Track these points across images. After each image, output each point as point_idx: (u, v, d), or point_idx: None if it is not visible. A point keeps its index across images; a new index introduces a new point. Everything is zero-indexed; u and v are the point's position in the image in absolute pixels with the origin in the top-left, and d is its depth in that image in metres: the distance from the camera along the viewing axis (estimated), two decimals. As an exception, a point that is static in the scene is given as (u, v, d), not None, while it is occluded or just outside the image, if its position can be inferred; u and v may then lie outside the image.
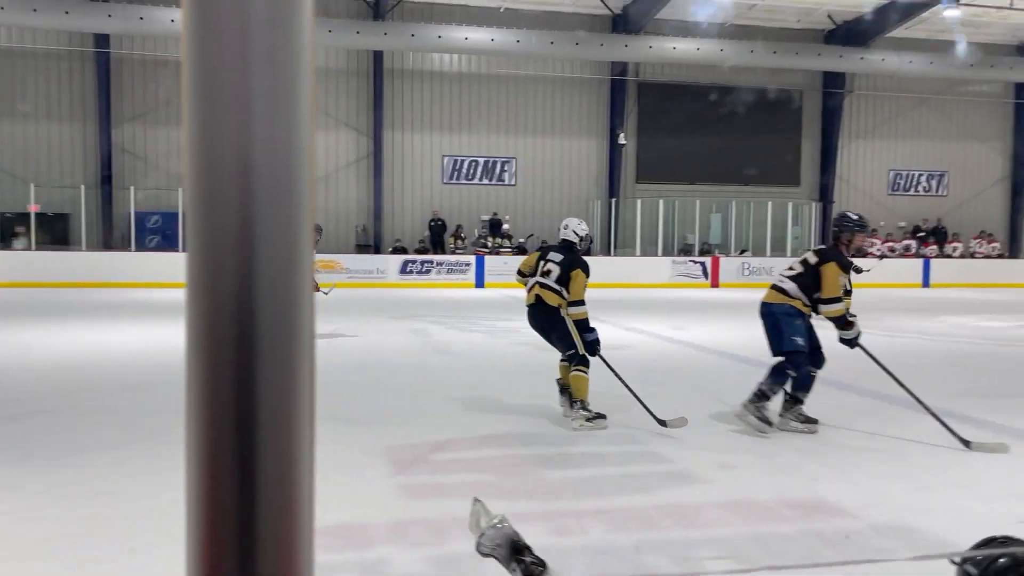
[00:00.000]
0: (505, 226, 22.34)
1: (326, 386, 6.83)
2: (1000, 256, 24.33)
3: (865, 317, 12.63)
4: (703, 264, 21.73)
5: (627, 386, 5.55)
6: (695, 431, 5.24)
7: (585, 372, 5.44)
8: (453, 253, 21.31)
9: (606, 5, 21.67)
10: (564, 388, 5.57)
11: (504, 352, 9.00)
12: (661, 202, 22.87)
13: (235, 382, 0.56)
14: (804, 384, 5.35)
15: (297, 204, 0.58)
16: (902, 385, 5.32)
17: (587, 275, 5.57)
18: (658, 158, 23.60)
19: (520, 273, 6.00)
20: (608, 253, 22.56)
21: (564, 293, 5.49)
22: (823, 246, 5.85)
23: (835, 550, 3.27)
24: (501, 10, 21.66)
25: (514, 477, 4.24)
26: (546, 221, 23.03)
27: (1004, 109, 25.41)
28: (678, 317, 13.28)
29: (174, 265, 19.03)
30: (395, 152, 22.30)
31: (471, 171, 22.89)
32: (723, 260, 21.96)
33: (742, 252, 23.21)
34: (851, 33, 22.55)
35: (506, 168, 23.02)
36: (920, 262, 23.09)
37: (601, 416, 5.31)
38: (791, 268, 5.74)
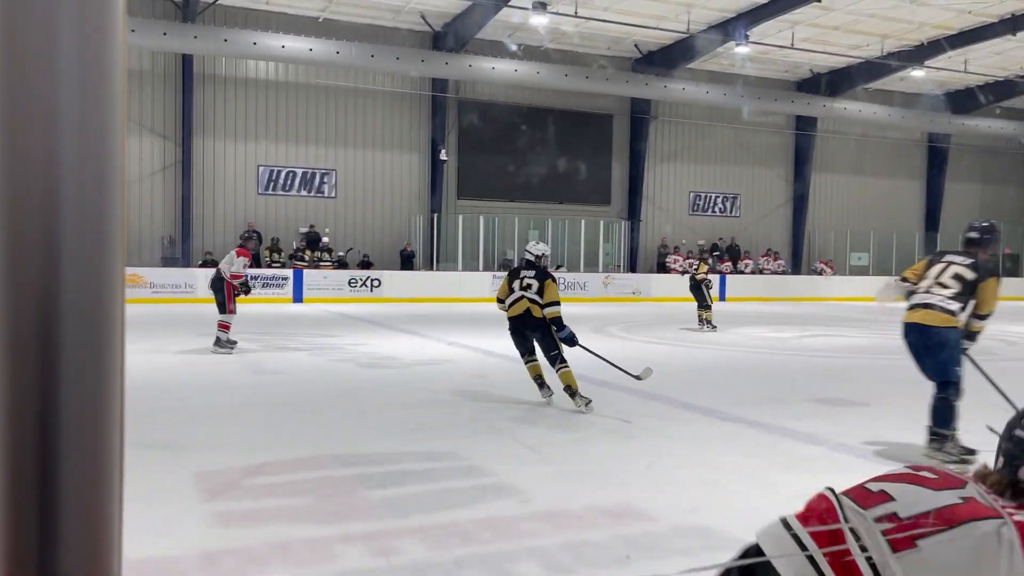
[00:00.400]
0: (325, 239, 21.87)
1: (128, 410, 6.39)
2: (784, 272, 26.82)
3: (666, 330, 13.48)
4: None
5: (603, 358, 7.16)
6: (514, 444, 5.38)
7: (568, 366, 6.66)
8: (269, 267, 20.56)
9: (427, 22, 21.86)
10: (541, 381, 6.87)
11: (324, 369, 8.81)
12: (482, 218, 23.30)
13: (39, 397, 0.54)
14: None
15: (107, 213, 0.56)
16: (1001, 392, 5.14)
17: (556, 283, 6.84)
18: (479, 175, 24.05)
19: (500, 300, 7.12)
20: (430, 268, 22.67)
21: (540, 301, 6.65)
22: (972, 259, 5.34)
23: (641, 553, 3.48)
24: (320, 20, 21.28)
25: (333, 499, 4.17)
26: (368, 234, 22.80)
27: (786, 138, 28.11)
28: (497, 331, 13.54)
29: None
30: (206, 160, 21.26)
31: (288, 182, 22.23)
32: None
33: (558, 267, 24.07)
34: (656, 62, 24.11)
35: (326, 180, 22.57)
36: (717, 277, 24.96)
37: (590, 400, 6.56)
38: (943, 286, 5.27)
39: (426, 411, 6.56)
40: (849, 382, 8.65)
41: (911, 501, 1.28)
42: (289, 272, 20.15)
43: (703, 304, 14.55)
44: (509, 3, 19.32)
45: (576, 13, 20.02)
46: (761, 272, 26.41)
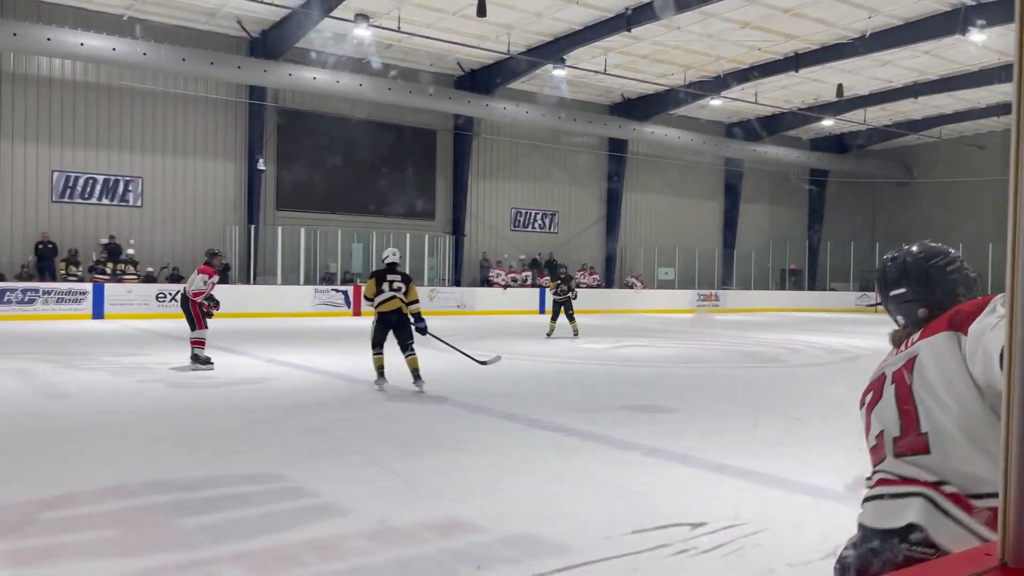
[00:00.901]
0: (129, 250, 20.45)
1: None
2: (599, 286, 28.11)
3: (489, 342, 13.74)
4: (345, 293, 21.96)
5: (451, 345, 8.79)
6: (339, 463, 5.31)
7: (416, 353, 8.43)
8: (65, 280, 18.92)
9: (244, 28, 21.07)
10: (382, 371, 8.43)
11: (131, 391, 8.24)
12: (303, 230, 22.71)
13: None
14: None
15: None
16: None
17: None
18: (299, 186, 23.42)
19: (368, 298, 8.59)
20: (248, 281, 21.77)
21: (405, 300, 8.33)
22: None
23: (468, 565, 3.55)
24: (124, 18, 19.95)
25: (143, 529, 3.92)
26: (178, 245, 21.56)
27: (600, 159, 29.55)
28: (320, 346, 13.26)
29: None
30: (-11, 164, 19.28)
31: (88, 189, 20.62)
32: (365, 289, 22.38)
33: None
34: (478, 81, 24.60)
35: (131, 188, 21.13)
36: (537, 291, 25.76)
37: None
38: None
39: (246, 432, 6.32)
40: (660, 389, 9.22)
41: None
42: (88, 286, 18.64)
43: (563, 316, 15.85)
44: (331, 14, 19.02)
45: (399, 28, 20.06)
46: (579, 286, 27.50)
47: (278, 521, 4.06)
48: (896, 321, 2.02)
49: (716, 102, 26.67)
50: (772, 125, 30.85)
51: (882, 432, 1.78)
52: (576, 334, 15.72)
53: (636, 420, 7.06)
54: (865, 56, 22.52)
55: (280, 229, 22.48)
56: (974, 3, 19.05)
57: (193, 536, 3.84)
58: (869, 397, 1.87)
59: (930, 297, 1.88)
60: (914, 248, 1.97)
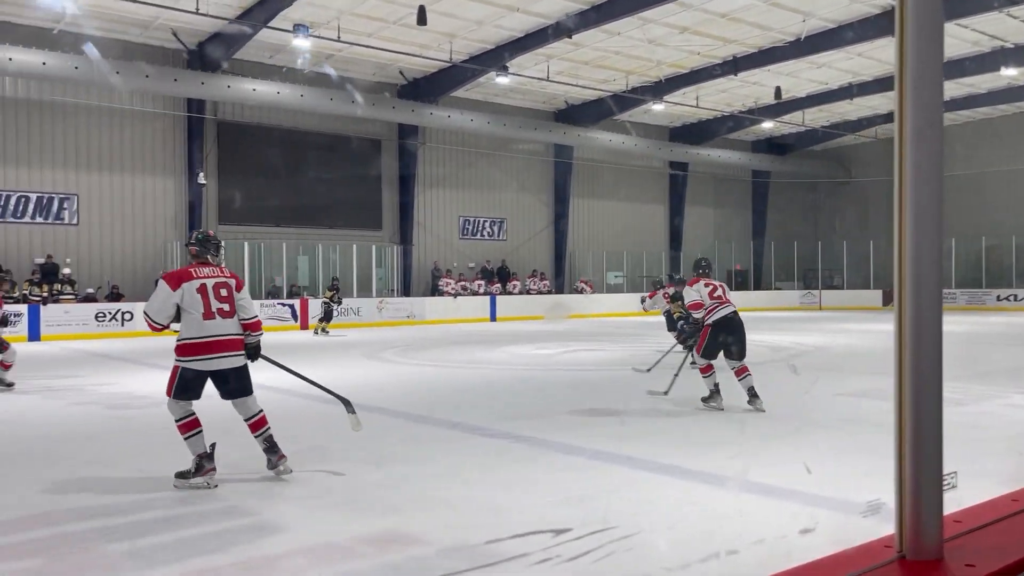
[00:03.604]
0: (66, 270, 19.86)
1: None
2: (549, 292, 28.18)
3: (439, 352, 13.64)
4: (292, 306, 21.64)
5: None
6: (276, 481, 5.18)
7: None
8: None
9: (179, 40, 20.66)
10: None
11: (62, 414, 7.97)
12: (246, 244, 22.33)
13: None
14: None
15: None
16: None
17: None
18: (242, 200, 23.02)
19: None
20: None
21: None
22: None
23: (406, 577, 3.48)
24: (55, 31, 19.40)
25: (68, 557, 3.77)
26: (117, 263, 21.02)
27: (546, 166, 29.67)
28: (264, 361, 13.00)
29: None
30: (-87, 184, 18.56)
31: (20, 208, 19.98)
32: (312, 302, 22.09)
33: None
34: (422, 89, 24.52)
35: (66, 205, 20.55)
36: (488, 299, 25.71)
37: None
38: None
39: (180, 453, 6.14)
40: (604, 393, 9.25)
41: None
42: (23, 307, 18.03)
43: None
44: (269, 24, 18.77)
45: (339, 38, 19.88)
46: (528, 292, 27.56)
47: (210, 543, 3.94)
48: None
49: (658, 107, 27.00)
50: (714, 128, 31.35)
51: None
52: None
53: (579, 424, 7.06)
54: (801, 59, 23.03)
55: (222, 244, 22.05)
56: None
57: (120, 562, 3.70)
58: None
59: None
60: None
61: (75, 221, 20.66)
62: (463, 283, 26.18)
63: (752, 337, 17.09)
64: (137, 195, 21.54)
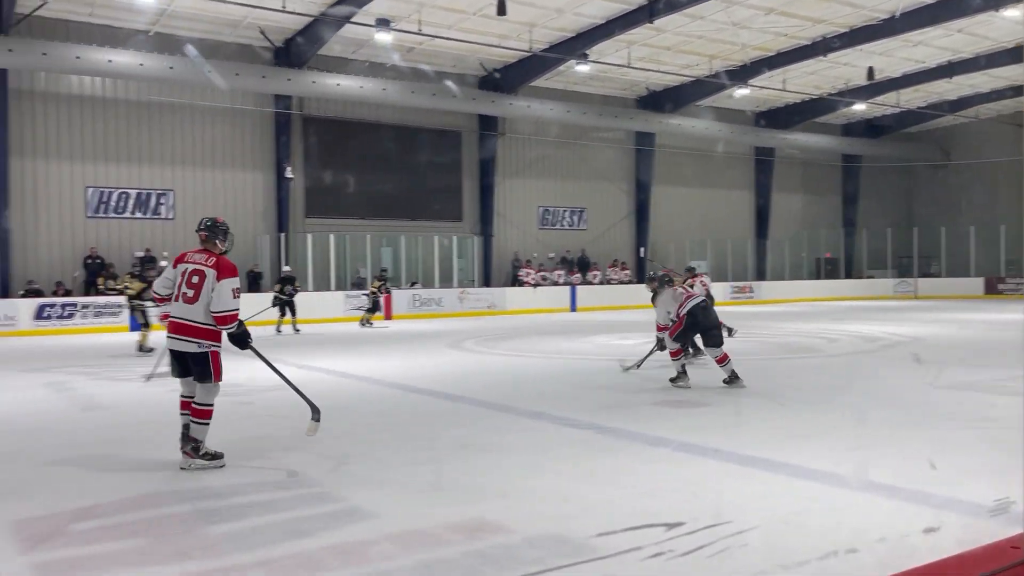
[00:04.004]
0: (163, 263, 20.70)
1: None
2: (630, 282, 27.89)
3: (520, 342, 13.67)
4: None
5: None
6: (365, 467, 5.28)
7: None
8: (102, 294, 19.25)
9: (267, 38, 21.25)
10: None
11: (162, 401, 8.31)
12: (332, 237, 22.85)
13: None
14: None
15: None
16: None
17: None
18: (327, 193, 23.58)
19: None
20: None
21: None
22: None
23: (494, 567, 3.49)
24: (151, 34, 20.23)
25: (171, 538, 3.93)
26: (210, 257, 21.77)
27: (627, 153, 29.33)
28: (350, 351, 13.31)
29: None
30: (25, 182, 19.69)
31: (121, 204, 20.94)
32: (395, 293, 22.47)
33: (413, 284, 23.96)
34: (501, 80, 24.56)
35: (163, 201, 21.43)
36: (568, 289, 25.64)
37: None
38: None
39: (274, 438, 6.34)
40: (691, 383, 9.07)
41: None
42: (124, 299, 18.89)
43: None
44: (352, 20, 19.12)
45: (420, 31, 20.08)
46: (609, 282, 27.34)
47: (302, 527, 4.04)
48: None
49: (743, 91, 26.32)
50: (802, 112, 30.39)
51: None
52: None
53: (665, 416, 6.96)
54: (896, 37, 22.07)
55: (309, 236, 22.64)
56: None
57: (218, 544, 3.83)
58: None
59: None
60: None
61: (171, 216, 21.53)
62: (543, 273, 26.17)
63: (844, 327, 16.53)
64: (228, 190, 22.30)
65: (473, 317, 22.49)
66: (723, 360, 8.39)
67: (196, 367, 5.36)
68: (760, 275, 31.76)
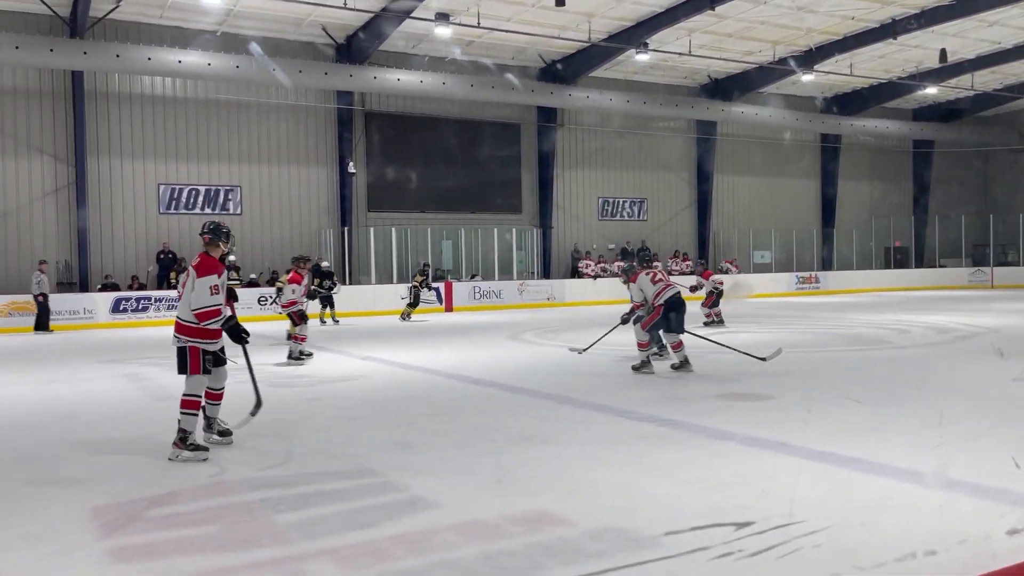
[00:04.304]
0: (232, 257, 21.24)
1: (18, 445, 6.03)
2: (692, 273, 27.49)
3: (580, 334, 13.61)
4: (437, 290, 22.23)
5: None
6: (428, 457, 5.33)
7: None
8: (173, 288, 19.85)
9: (329, 35, 21.59)
10: None
11: (231, 392, 8.52)
12: (393, 230, 23.10)
13: None
14: None
15: None
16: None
17: None
18: (389, 187, 23.86)
19: None
20: (344, 282, 22.30)
21: None
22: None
23: (556, 560, 3.48)
24: (218, 34, 20.74)
25: (240, 526, 4.03)
26: (276, 250, 22.30)
27: (689, 143, 28.90)
28: (412, 343, 13.45)
29: None
30: (102, 181, 20.42)
31: (191, 200, 21.56)
32: (456, 285, 22.63)
33: (473, 276, 24.09)
34: (560, 71, 24.45)
35: (230, 197, 21.99)
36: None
37: None
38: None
39: (339, 429, 6.45)
40: (755, 376, 8.91)
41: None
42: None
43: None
44: (412, 15, 19.26)
45: (479, 24, 20.11)
46: (670, 273, 27.01)
47: (367, 516, 4.10)
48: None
49: (809, 77, 25.65)
50: (870, 97, 29.48)
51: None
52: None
53: (730, 409, 6.84)
54: (970, 17, 21.22)
55: (372, 230, 22.94)
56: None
57: (286, 532, 3.92)
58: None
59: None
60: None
61: (239, 211, 22.08)
62: (603, 264, 26.01)
63: (916, 318, 16.01)
64: (293, 185, 22.74)
65: (532, 309, 22.50)
66: (678, 346, 8.95)
67: (177, 360, 5.62)
68: (826, 265, 30.98)
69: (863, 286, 29.06)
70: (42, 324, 17.09)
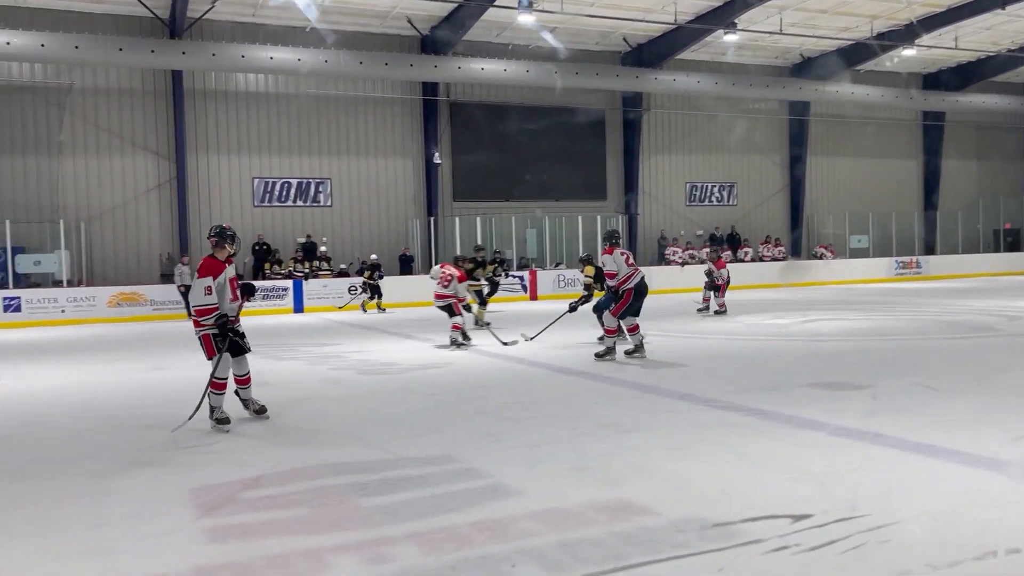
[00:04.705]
0: (322, 248, 21.86)
1: (121, 428, 6.36)
2: (784, 259, 26.73)
3: (666, 322, 13.43)
4: (521, 278, 22.30)
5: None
6: (511, 445, 5.35)
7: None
8: (268, 278, 20.57)
9: (414, 26, 21.83)
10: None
11: (323, 378, 8.79)
12: (478, 219, 23.26)
13: None
14: None
15: None
16: None
17: None
18: (473, 176, 24.02)
19: None
20: (429, 271, 22.57)
21: None
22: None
23: (639, 549, 3.44)
24: (307, 30, 21.27)
25: (328, 509, 4.14)
26: (365, 241, 22.79)
27: (780, 124, 28.02)
28: (498, 331, 13.49)
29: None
30: (200, 175, 21.28)
31: (284, 193, 22.24)
32: (540, 273, 22.63)
33: (557, 265, 24.04)
34: (645, 55, 24.06)
35: (321, 189, 22.57)
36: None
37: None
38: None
39: (424, 415, 6.54)
40: (850, 365, 8.60)
41: None
42: (288, 283, 20.15)
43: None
44: (495, 3, 19.28)
45: (562, 9, 19.98)
46: (761, 259, 26.33)
47: (450, 501, 4.14)
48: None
49: (909, 52, 24.46)
50: (976, 71, 27.90)
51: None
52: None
53: (822, 398, 6.61)
54: (1088, -18, 19.82)
55: (457, 220, 23.16)
56: None
57: (371, 516, 4.00)
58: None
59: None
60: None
61: (329, 203, 22.65)
62: (690, 251, 25.54)
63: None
64: (380, 176, 23.17)
65: (619, 297, 22.26)
66: (634, 330, 9.09)
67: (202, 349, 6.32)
68: (929, 249, 29.59)
69: (969, 271, 27.61)
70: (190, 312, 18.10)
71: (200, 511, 4.16)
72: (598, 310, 10.20)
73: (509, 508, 4.02)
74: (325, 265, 21.45)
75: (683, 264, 24.73)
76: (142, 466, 5.16)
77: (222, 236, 6.36)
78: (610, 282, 9.09)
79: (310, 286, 20.18)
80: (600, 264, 9.70)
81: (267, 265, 21.04)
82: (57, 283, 19.09)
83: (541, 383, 8.07)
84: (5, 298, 17.78)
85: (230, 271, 6.31)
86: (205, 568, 3.39)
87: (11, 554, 3.68)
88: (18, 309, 17.80)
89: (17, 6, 18.80)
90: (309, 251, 21.63)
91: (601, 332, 10.00)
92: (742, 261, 25.85)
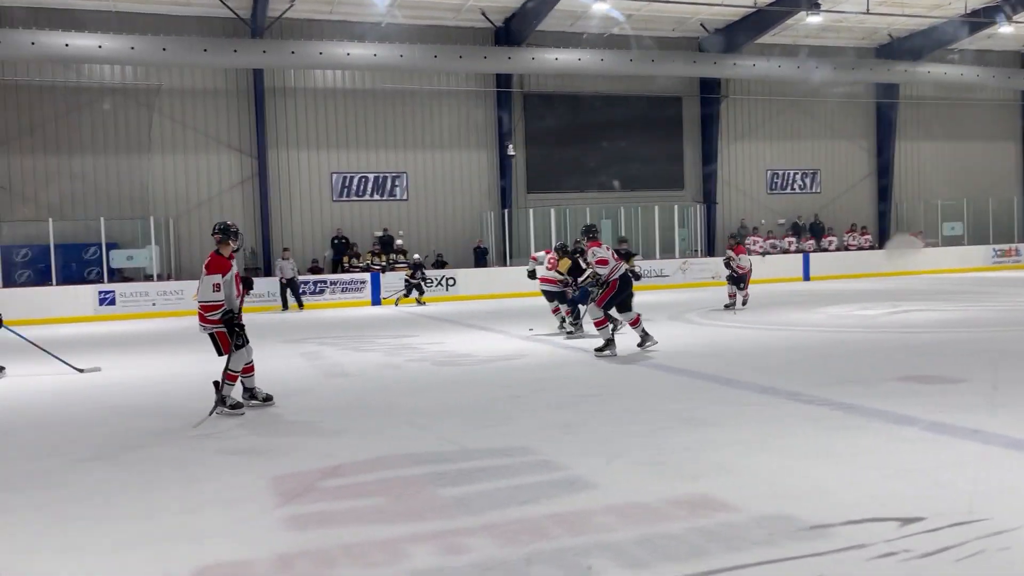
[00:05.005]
0: (399, 241, 22.14)
1: (202, 417, 6.55)
2: (871, 247, 25.77)
3: (752, 312, 13.12)
4: (597, 269, 22.07)
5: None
6: (587, 437, 5.28)
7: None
8: (346, 271, 20.96)
9: (487, 18, 21.85)
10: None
11: (400, 369, 8.88)
12: (553, 211, 23.15)
13: None
14: None
15: None
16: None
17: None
18: (547, 168, 23.92)
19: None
20: (504, 263, 22.66)
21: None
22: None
23: (721, 545, 3.34)
24: (383, 25, 21.51)
25: (405, 499, 4.16)
26: (441, 234, 22.99)
27: (867, 108, 26.99)
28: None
29: (47, 299, 18.05)
30: (281, 171, 21.80)
31: (361, 187, 22.59)
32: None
33: (633, 256, 23.71)
34: (723, 40, 23.47)
35: (397, 183, 22.84)
36: (800, 257, 24.19)
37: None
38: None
39: (500, 407, 6.53)
40: (943, 357, 8.21)
41: None
42: (366, 276, 20.48)
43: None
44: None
45: (636, -5, 19.66)
46: (847, 248, 25.46)
47: (526, 493, 4.11)
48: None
49: (1007, 28, 23.17)
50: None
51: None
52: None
53: (913, 392, 6.32)
54: None
55: (531, 211, 23.11)
56: None
57: (447, 506, 4.00)
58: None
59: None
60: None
61: (405, 197, 22.91)
62: (772, 240, 24.88)
63: None
64: (455, 169, 23.31)
65: (696, 288, 21.90)
66: (636, 322, 9.16)
67: (213, 345, 6.58)
68: (1030, 236, 28.08)
69: (1074, 259, 26.09)
70: (285, 303, 19.27)
71: (282, 499, 4.24)
72: (572, 303, 10.70)
73: (586, 501, 3.96)
74: (402, 258, 21.73)
75: (764, 254, 24.10)
76: (226, 454, 5.29)
77: (226, 233, 6.57)
78: (602, 270, 9.13)
79: (387, 279, 20.46)
80: (587, 259, 9.62)
81: (345, 258, 21.45)
82: (148, 277, 19.87)
83: (616, 376, 7.96)
84: (101, 292, 18.60)
85: (235, 267, 6.61)
86: (286, 556, 3.44)
87: (109, 538, 3.81)
88: (112, 303, 18.60)
89: (108, 11, 19.60)
90: (386, 244, 21.95)
91: (568, 327, 11.12)
92: (826, 250, 25.04)
